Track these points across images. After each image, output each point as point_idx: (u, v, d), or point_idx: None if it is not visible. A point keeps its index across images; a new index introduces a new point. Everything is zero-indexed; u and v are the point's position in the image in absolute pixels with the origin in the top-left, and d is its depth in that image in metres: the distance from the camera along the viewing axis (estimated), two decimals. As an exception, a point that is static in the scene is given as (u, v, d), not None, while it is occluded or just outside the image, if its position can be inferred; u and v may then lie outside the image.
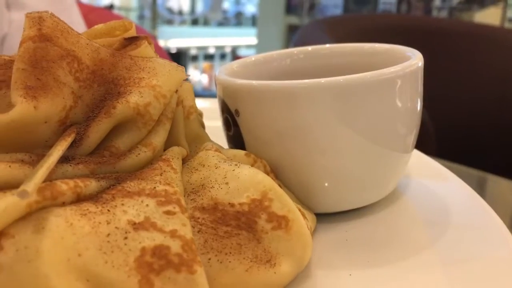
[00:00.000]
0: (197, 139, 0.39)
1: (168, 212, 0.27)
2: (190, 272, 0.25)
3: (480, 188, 0.38)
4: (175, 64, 0.36)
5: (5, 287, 0.23)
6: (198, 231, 0.29)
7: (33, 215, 0.25)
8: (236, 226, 0.29)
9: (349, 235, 0.39)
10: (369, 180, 0.40)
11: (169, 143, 0.36)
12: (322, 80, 0.36)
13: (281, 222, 0.30)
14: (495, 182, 0.55)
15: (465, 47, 0.95)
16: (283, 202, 0.31)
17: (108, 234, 0.25)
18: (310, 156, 0.38)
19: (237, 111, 0.40)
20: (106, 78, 0.34)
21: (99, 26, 0.39)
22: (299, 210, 0.35)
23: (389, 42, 0.42)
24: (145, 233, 0.26)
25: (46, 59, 0.30)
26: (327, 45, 0.46)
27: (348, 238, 0.38)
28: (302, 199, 0.40)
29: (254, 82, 0.38)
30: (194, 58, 5.11)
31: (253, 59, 0.47)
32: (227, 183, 0.31)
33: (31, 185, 0.23)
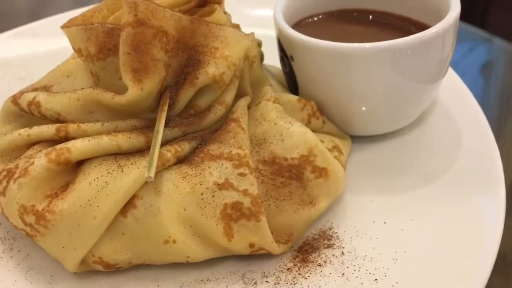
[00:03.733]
0: (259, 82, 0.47)
1: (241, 174, 0.38)
2: (257, 220, 0.37)
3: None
4: (243, 32, 0.43)
5: (139, 233, 0.36)
6: (261, 182, 0.40)
7: (151, 180, 0.37)
8: (288, 177, 0.40)
9: (376, 158, 0.49)
10: (397, 111, 0.49)
11: (237, 92, 0.45)
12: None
13: (321, 172, 0.41)
14: None
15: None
16: (324, 157, 0.41)
17: (202, 193, 0.37)
18: (352, 94, 0.46)
19: (291, 57, 0.47)
20: (188, 45, 0.41)
21: None
22: (337, 146, 0.46)
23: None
24: (226, 192, 0.37)
25: (143, 42, 0.38)
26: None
27: (375, 161, 0.49)
28: (342, 126, 0.49)
29: (307, 38, 0.44)
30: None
31: None
32: (282, 140, 0.41)
33: (153, 171, 0.34)
